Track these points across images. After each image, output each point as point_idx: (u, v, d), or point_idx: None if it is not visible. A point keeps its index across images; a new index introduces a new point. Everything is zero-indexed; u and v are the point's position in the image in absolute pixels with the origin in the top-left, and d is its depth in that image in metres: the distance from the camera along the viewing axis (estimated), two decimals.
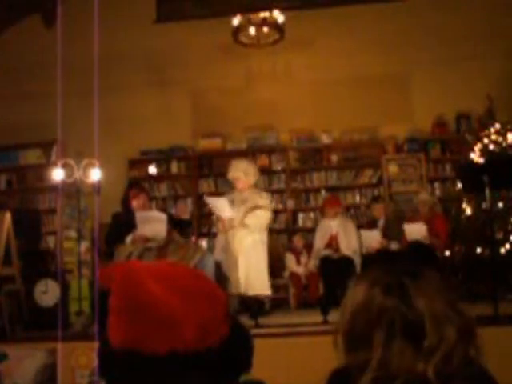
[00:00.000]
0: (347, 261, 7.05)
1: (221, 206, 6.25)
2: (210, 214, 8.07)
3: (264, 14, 7.41)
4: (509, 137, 7.31)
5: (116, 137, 8.46)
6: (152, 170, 9.16)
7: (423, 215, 7.34)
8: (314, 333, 4.91)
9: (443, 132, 8.83)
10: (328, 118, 8.88)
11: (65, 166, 6.73)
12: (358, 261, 7.09)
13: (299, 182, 9.06)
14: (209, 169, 9.21)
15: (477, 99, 7.67)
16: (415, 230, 6.92)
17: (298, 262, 7.68)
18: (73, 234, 7.72)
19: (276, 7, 7.47)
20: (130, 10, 8.89)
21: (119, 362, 1.14)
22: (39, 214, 8.65)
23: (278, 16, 7.45)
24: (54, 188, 7.96)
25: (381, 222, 7.36)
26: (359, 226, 7.58)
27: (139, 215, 5.93)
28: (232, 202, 6.35)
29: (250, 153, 8.90)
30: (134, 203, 6.13)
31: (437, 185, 8.74)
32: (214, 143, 9.15)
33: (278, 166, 9.07)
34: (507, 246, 6.85)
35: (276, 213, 8.87)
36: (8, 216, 6.24)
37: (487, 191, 5.28)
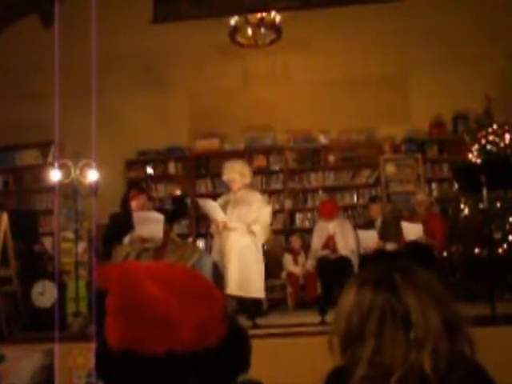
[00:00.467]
0: (345, 261, 7.05)
1: (212, 209, 6.26)
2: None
3: (261, 15, 7.41)
4: (506, 137, 7.32)
5: (113, 137, 8.45)
6: (149, 170, 9.15)
7: (420, 215, 7.34)
8: (311, 333, 4.92)
9: (440, 132, 8.84)
10: (325, 118, 8.89)
11: (62, 166, 6.72)
12: (355, 261, 7.09)
13: (297, 183, 9.06)
14: (206, 169, 9.20)
15: (474, 100, 7.68)
16: (413, 230, 6.92)
17: (296, 262, 7.68)
18: (70, 234, 7.70)
19: (273, 8, 7.47)
20: (127, 10, 8.88)
21: (117, 362, 1.14)
22: (36, 215, 8.63)
23: (275, 16, 7.45)
24: (51, 189, 7.95)
25: (378, 223, 7.35)
26: (356, 227, 7.57)
27: (136, 216, 5.92)
28: (227, 204, 6.34)
29: (247, 153, 8.90)
30: (134, 204, 6.12)
31: (434, 185, 8.75)
32: (212, 144, 9.15)
33: (276, 167, 9.07)
34: (505, 246, 6.86)
35: (274, 213, 8.86)
36: (5, 217, 6.23)
37: (484, 191, 5.29)
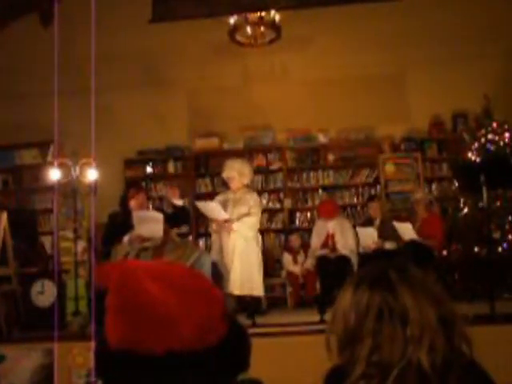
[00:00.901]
0: (344, 260, 7.05)
1: (212, 209, 6.25)
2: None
3: (260, 14, 7.40)
4: (506, 136, 7.32)
5: (112, 137, 8.44)
6: (148, 170, 9.16)
7: (419, 214, 7.34)
8: (311, 332, 4.92)
9: (440, 131, 8.84)
10: (325, 117, 8.89)
11: (61, 165, 6.72)
12: (354, 260, 7.10)
13: (296, 182, 9.06)
14: (205, 168, 9.21)
15: (473, 99, 7.67)
16: (404, 229, 6.93)
17: (295, 261, 7.69)
18: (69, 234, 7.69)
19: (272, 7, 7.46)
20: (126, 10, 8.87)
21: (116, 361, 1.14)
22: (36, 214, 8.64)
23: (275, 15, 7.44)
24: (50, 188, 7.94)
25: (377, 222, 7.36)
26: (355, 225, 7.57)
27: (136, 215, 5.92)
28: (226, 202, 6.35)
29: (246, 152, 8.90)
30: (133, 202, 6.11)
31: (433, 184, 8.75)
32: (211, 143, 9.15)
33: (275, 166, 9.07)
34: (504, 245, 6.87)
35: (273, 212, 8.88)
36: (4, 216, 6.23)
37: (484, 190, 5.29)
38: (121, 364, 1.13)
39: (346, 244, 7.21)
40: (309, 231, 8.11)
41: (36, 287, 6.33)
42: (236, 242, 6.22)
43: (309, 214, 8.94)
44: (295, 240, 7.93)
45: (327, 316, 5.24)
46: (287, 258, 7.76)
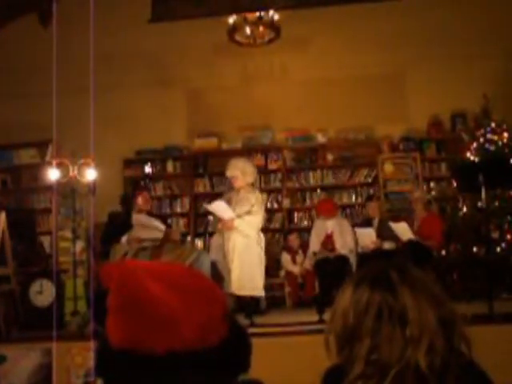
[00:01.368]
0: (343, 260, 7.05)
1: (223, 209, 6.25)
2: (207, 213, 8.09)
3: (260, 14, 7.40)
4: (504, 136, 7.33)
5: (111, 136, 8.44)
6: (147, 169, 9.16)
7: (418, 213, 7.34)
8: (309, 332, 4.92)
9: (439, 131, 8.84)
10: (323, 117, 8.89)
11: (60, 165, 6.71)
12: (353, 260, 7.10)
13: (295, 182, 9.06)
14: (204, 168, 9.20)
15: (472, 98, 7.68)
16: (400, 229, 6.93)
17: (294, 261, 7.69)
18: (68, 233, 7.69)
19: (271, 7, 7.46)
20: (125, 9, 8.86)
21: (117, 361, 1.14)
22: (34, 214, 8.62)
23: (274, 15, 7.44)
24: (49, 188, 7.94)
25: (375, 221, 7.36)
26: (354, 225, 7.57)
27: (139, 218, 5.97)
28: (229, 201, 6.35)
29: (245, 152, 8.88)
30: (139, 199, 6.30)
31: (432, 184, 8.75)
32: (210, 143, 9.15)
33: (274, 166, 9.07)
34: (503, 245, 6.87)
35: (272, 212, 8.87)
36: (3, 216, 6.23)
37: (483, 190, 5.29)
38: (122, 364, 1.14)
39: (344, 244, 7.21)
40: (308, 231, 8.11)
41: (35, 287, 6.34)
42: (236, 241, 6.22)
43: (307, 214, 8.94)
44: (294, 240, 7.93)
45: (326, 316, 5.24)
46: (286, 257, 7.76)
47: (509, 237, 6.93)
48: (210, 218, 6.97)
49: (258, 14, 7.40)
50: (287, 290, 7.59)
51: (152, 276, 1.15)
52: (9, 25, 9.08)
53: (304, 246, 7.80)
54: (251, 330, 4.79)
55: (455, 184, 7.12)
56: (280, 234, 8.84)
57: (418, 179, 8.59)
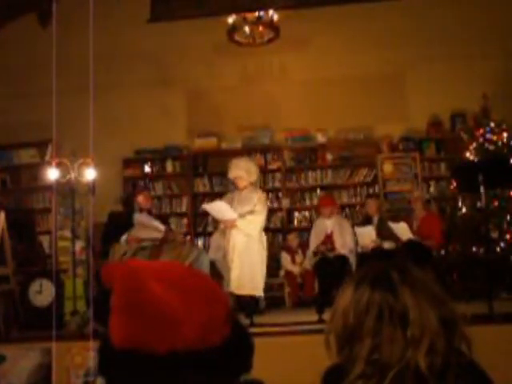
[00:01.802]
0: (342, 260, 7.05)
1: (222, 210, 6.23)
2: (206, 213, 8.08)
3: (259, 13, 7.40)
4: (504, 136, 7.33)
5: (111, 136, 8.44)
6: (147, 169, 9.16)
7: (418, 213, 7.33)
8: (309, 331, 4.92)
9: (438, 131, 8.84)
10: (323, 117, 8.89)
11: (59, 165, 6.70)
12: (353, 260, 7.09)
13: (294, 181, 9.06)
14: (204, 168, 9.20)
15: (472, 98, 7.68)
16: (400, 229, 6.93)
17: (293, 261, 7.69)
18: (67, 233, 7.69)
19: (271, 7, 7.46)
20: (125, 9, 8.86)
21: (119, 360, 1.14)
22: (34, 214, 8.62)
23: (273, 15, 7.44)
24: (48, 187, 7.94)
25: (375, 220, 7.35)
26: (354, 225, 7.57)
27: (140, 218, 5.98)
28: (232, 201, 6.34)
29: (245, 152, 8.88)
30: (140, 198, 6.35)
31: (432, 184, 8.75)
32: (209, 142, 9.14)
33: (273, 165, 9.07)
34: (502, 244, 6.87)
35: (271, 212, 8.87)
36: (2, 216, 6.22)
37: (482, 190, 5.29)
38: (123, 363, 1.14)
39: (344, 244, 7.20)
40: (307, 231, 8.11)
41: (34, 287, 6.33)
42: (236, 240, 6.21)
43: (307, 214, 8.94)
44: (293, 239, 7.93)
45: (325, 316, 5.24)
46: (285, 257, 7.76)
47: (508, 236, 6.93)
48: (210, 217, 6.96)
49: (257, 13, 7.40)
50: (287, 289, 7.59)
51: (154, 276, 1.15)
52: (8, 25, 9.08)
53: (303, 245, 7.80)
54: (251, 330, 4.79)
55: (455, 184, 7.12)
56: (280, 233, 8.84)
57: (417, 179, 8.59)
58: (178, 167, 9.26)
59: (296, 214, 9.02)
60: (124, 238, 5.97)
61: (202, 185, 9.16)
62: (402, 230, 6.91)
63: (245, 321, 5.52)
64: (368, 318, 1.36)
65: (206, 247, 8.17)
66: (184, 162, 9.22)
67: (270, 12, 7.43)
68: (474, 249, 6.88)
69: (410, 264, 1.47)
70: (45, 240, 8.46)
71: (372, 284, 1.40)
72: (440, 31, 8.58)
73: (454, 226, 7.34)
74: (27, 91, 8.70)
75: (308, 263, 7.42)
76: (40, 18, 8.75)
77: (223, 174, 7.60)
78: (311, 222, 8.43)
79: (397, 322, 1.34)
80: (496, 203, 6.99)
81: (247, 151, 8.95)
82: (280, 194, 9.00)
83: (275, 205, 8.97)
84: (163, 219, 6.88)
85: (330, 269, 6.88)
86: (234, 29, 7.51)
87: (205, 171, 9.18)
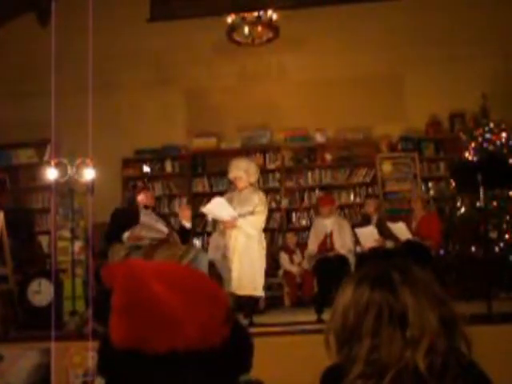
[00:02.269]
0: (342, 260, 7.04)
1: (221, 208, 6.20)
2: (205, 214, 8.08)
3: (258, 13, 7.40)
4: (502, 135, 7.34)
5: (110, 136, 8.42)
6: (146, 169, 9.15)
7: (417, 213, 7.33)
8: (308, 331, 4.92)
9: (437, 131, 8.85)
10: (322, 117, 8.89)
11: (58, 165, 6.70)
12: (352, 260, 7.08)
13: (293, 181, 9.06)
14: (203, 168, 9.20)
15: (470, 98, 7.69)
16: (398, 229, 6.93)
17: (292, 260, 7.68)
18: (66, 233, 7.68)
19: (270, 7, 7.45)
20: (124, 9, 8.86)
21: (120, 360, 1.14)
22: (33, 214, 8.62)
23: (272, 15, 7.44)
24: (47, 187, 7.94)
25: (374, 219, 7.34)
26: (353, 225, 7.56)
27: (145, 219, 5.99)
28: (231, 201, 6.33)
29: (244, 152, 8.88)
30: (141, 197, 6.35)
31: (431, 184, 8.76)
32: (208, 142, 9.14)
33: (272, 165, 9.07)
34: (501, 244, 6.87)
35: (270, 212, 8.85)
36: (1, 216, 6.22)
37: (481, 190, 5.29)
38: (124, 363, 1.13)
39: (343, 244, 7.18)
40: (306, 230, 8.11)
41: (33, 287, 6.33)
42: (237, 241, 6.20)
43: (306, 214, 8.94)
44: (291, 238, 7.93)
45: (324, 316, 5.25)
46: (284, 257, 7.76)
47: (507, 236, 6.94)
48: (209, 217, 6.94)
49: (256, 13, 7.39)
50: (286, 289, 7.59)
51: (154, 275, 1.15)
52: (7, 24, 9.08)
53: (302, 245, 7.80)
54: (250, 330, 4.79)
55: (454, 184, 7.12)
56: (278, 233, 8.84)
57: (416, 179, 8.59)
58: (176, 167, 9.25)
59: (295, 213, 9.02)
60: (126, 235, 5.97)
61: (200, 185, 9.16)
62: (401, 230, 6.91)
63: (244, 321, 5.51)
64: (367, 317, 1.35)
65: (205, 247, 8.16)
66: (183, 161, 9.22)
67: (269, 12, 7.43)
68: (472, 249, 6.89)
69: (410, 264, 1.47)
70: (44, 240, 8.46)
71: (372, 284, 1.40)
72: (439, 31, 8.59)
73: (453, 226, 7.34)
74: (26, 91, 8.69)
75: (306, 264, 7.41)
76: (39, 17, 8.75)
77: (222, 174, 7.60)
78: (310, 221, 8.43)
79: (396, 322, 1.33)
80: (495, 203, 6.99)
81: (246, 151, 8.95)
82: (279, 194, 9.00)
83: (274, 205, 8.96)
84: (166, 219, 6.88)
85: (329, 269, 6.87)
86: (233, 29, 7.51)
87: (204, 171, 9.18)
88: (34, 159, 8.97)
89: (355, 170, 8.96)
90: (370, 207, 7.48)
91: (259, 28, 7.52)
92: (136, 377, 1.13)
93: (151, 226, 6.04)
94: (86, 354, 4.80)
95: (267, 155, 9.13)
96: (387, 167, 8.75)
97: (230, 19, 7.48)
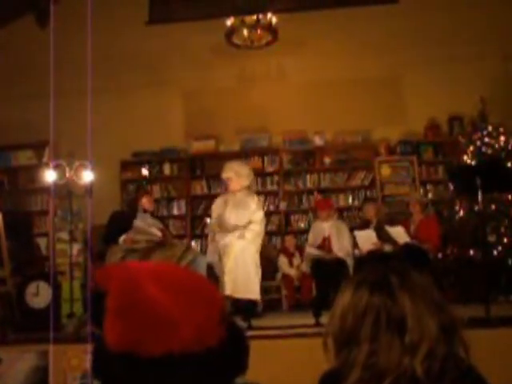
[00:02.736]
0: (340, 263, 7.04)
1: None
2: (204, 215, 8.09)
3: (257, 16, 7.40)
4: (501, 139, 7.35)
5: (108, 138, 8.42)
6: (144, 171, 9.14)
7: (416, 216, 7.33)
8: (306, 335, 4.91)
9: (436, 134, 8.85)
10: (320, 119, 8.89)
11: (57, 167, 6.70)
12: (350, 263, 7.08)
13: (292, 184, 9.06)
14: (201, 171, 9.20)
15: (469, 101, 7.69)
16: (397, 233, 6.93)
17: (291, 264, 7.68)
18: (65, 235, 7.68)
19: (269, 9, 7.46)
20: (123, 11, 8.86)
21: (115, 363, 1.13)
22: (31, 216, 8.61)
23: (272, 18, 7.45)
24: (46, 189, 7.93)
25: (373, 224, 7.34)
26: (352, 228, 7.56)
27: (138, 224, 6.00)
28: (226, 203, 6.34)
29: (242, 155, 8.89)
30: (144, 200, 6.43)
31: (429, 187, 8.75)
32: (207, 145, 9.14)
33: (271, 168, 9.07)
34: (499, 248, 6.88)
35: (269, 215, 8.86)
36: None
37: (480, 194, 5.29)
38: (119, 366, 1.13)
39: (342, 247, 7.19)
40: (305, 233, 8.11)
41: (31, 289, 6.32)
42: (234, 244, 6.20)
43: (304, 217, 8.94)
44: (289, 241, 7.93)
45: (322, 319, 5.24)
46: (283, 260, 7.76)
47: (505, 240, 6.94)
48: (207, 220, 6.96)
49: (255, 16, 7.40)
50: (284, 292, 7.59)
51: (151, 278, 1.14)
52: (6, 25, 9.07)
53: (301, 248, 7.79)
54: (248, 333, 4.78)
55: (452, 187, 7.13)
56: (277, 236, 8.84)
57: (415, 182, 8.59)
58: (175, 170, 9.25)
59: (293, 216, 9.01)
60: (122, 238, 5.98)
61: (199, 187, 9.16)
62: (399, 233, 6.91)
63: (242, 324, 5.51)
64: (366, 322, 1.35)
65: (204, 250, 8.16)
66: (182, 164, 9.22)
67: (269, 15, 7.44)
68: (471, 252, 6.89)
69: (409, 268, 1.46)
70: (42, 242, 8.46)
71: (371, 287, 1.39)
72: (438, 34, 8.60)
73: (452, 229, 7.35)
74: (24, 92, 8.69)
75: (305, 266, 7.41)
76: (38, 18, 8.74)
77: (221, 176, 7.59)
78: (309, 224, 8.43)
79: (394, 327, 1.33)
80: (493, 207, 7.00)
81: (245, 154, 8.96)
82: (277, 197, 9.00)
83: (272, 208, 8.96)
84: (162, 221, 6.89)
85: (328, 272, 6.87)
86: (232, 32, 7.52)
87: (202, 174, 9.18)
88: (32, 161, 8.96)
89: (354, 173, 8.96)
90: (370, 212, 7.48)
91: (258, 31, 7.53)
92: (131, 379, 1.12)
93: (145, 230, 6.06)
94: (84, 357, 4.79)
95: (266, 158, 9.12)
96: (386, 170, 8.75)
97: (229, 22, 7.49)
